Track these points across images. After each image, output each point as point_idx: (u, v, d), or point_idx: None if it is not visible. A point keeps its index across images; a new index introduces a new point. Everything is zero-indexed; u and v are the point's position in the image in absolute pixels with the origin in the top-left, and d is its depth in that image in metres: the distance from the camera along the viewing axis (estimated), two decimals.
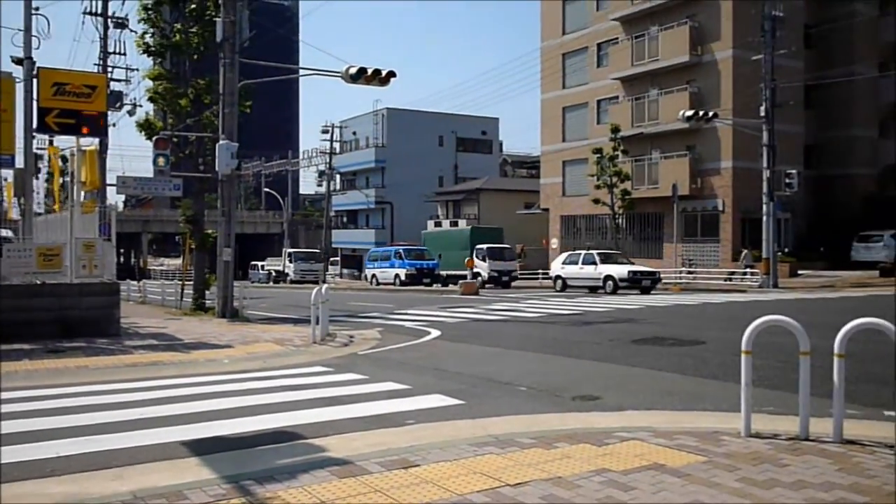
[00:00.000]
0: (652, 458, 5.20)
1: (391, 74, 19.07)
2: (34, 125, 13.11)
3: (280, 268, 57.05)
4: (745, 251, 32.42)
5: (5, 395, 8.15)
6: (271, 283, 55.44)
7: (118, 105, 33.25)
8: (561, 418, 6.62)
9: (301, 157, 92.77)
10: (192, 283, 21.77)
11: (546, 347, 11.59)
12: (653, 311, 17.89)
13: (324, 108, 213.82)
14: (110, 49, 33.89)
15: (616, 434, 5.89)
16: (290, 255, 56.52)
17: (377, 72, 18.87)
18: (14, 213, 25.81)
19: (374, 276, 43.66)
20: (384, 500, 4.42)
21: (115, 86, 34.15)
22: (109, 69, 34.23)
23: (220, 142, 17.82)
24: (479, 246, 37.98)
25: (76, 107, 13.18)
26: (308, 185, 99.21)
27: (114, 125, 34.00)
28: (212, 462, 5.39)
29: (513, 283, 37.51)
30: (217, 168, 17.97)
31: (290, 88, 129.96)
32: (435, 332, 14.11)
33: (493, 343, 12.34)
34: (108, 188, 36.87)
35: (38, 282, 13.68)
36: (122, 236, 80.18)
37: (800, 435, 5.66)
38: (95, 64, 34.34)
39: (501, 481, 4.72)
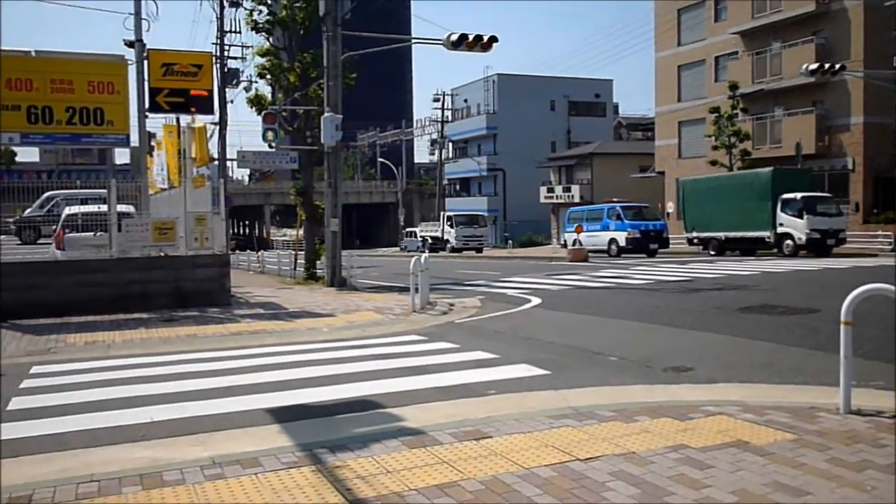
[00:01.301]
0: (736, 434, 4.93)
1: (493, 40, 18.85)
2: (146, 105, 13.72)
3: (437, 233, 50.16)
4: None
5: (117, 362, 8.67)
6: (427, 252, 51.37)
7: (234, 82, 34.43)
8: (647, 390, 6.39)
9: (415, 126, 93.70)
10: (303, 253, 22.46)
11: (645, 316, 11.24)
12: (767, 277, 17.04)
13: (438, 78, 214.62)
14: (226, 28, 35.19)
15: (703, 408, 5.62)
16: (449, 218, 49.46)
17: (479, 37, 18.69)
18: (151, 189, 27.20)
19: (575, 242, 32.81)
20: (449, 471, 4.39)
21: (231, 63, 35.40)
22: (226, 47, 35.55)
23: (325, 114, 18.15)
24: (785, 196, 27.63)
25: (184, 85, 13.72)
26: (422, 153, 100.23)
27: (231, 102, 35.49)
28: (291, 430, 5.51)
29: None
30: (322, 140, 18.34)
31: (402, 59, 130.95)
32: (535, 301, 13.95)
33: (592, 311, 12.09)
34: (230, 162, 38.53)
35: (162, 254, 14.42)
36: (247, 209, 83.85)
37: None
38: (213, 43, 35.74)
39: (572, 455, 4.60)
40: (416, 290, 13.15)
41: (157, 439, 5.41)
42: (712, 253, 30.22)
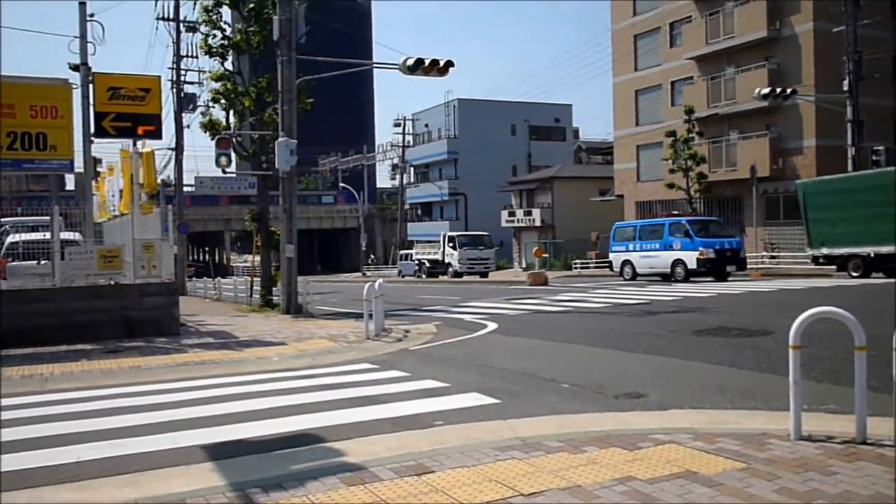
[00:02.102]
0: (686, 464, 4.79)
1: (449, 64, 18.87)
2: (91, 130, 13.37)
3: (436, 256, 45.15)
4: None
5: (53, 396, 8.30)
6: (423, 277, 45.51)
7: (191, 107, 34.10)
8: (597, 419, 6.23)
9: (377, 151, 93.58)
10: (259, 279, 22.09)
11: (600, 340, 11.13)
12: (724, 299, 17.11)
13: (400, 103, 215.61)
14: (183, 53, 34.87)
15: (652, 436, 5.48)
16: (451, 239, 43.93)
17: (435, 62, 18.69)
18: (95, 215, 26.49)
19: (625, 263, 29.60)
20: None
21: (188, 88, 35.11)
22: (183, 72, 35.22)
23: (280, 139, 17.92)
24: None
25: (131, 110, 13.40)
26: (384, 178, 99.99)
27: (188, 127, 34.93)
28: (226, 467, 5.25)
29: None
30: (277, 165, 18.09)
31: (364, 84, 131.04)
32: (492, 326, 13.79)
33: (548, 336, 11.95)
34: (186, 188, 37.96)
35: (112, 282, 14.01)
36: (207, 234, 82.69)
37: (856, 438, 5.14)
38: (170, 68, 35.35)
39: (515, 490, 4.41)
40: (371, 316, 12.91)
41: (86, 479, 5.11)
42: (854, 274, 24.23)
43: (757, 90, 27.38)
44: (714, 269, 26.00)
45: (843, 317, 5.16)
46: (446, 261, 43.37)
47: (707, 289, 20.96)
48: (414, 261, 48.70)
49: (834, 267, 25.64)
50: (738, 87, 35.24)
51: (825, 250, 25.56)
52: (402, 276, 48.69)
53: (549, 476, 4.66)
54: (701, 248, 26.09)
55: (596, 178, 51.73)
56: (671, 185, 35.77)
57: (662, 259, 27.67)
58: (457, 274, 41.85)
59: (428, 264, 45.92)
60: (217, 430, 6.35)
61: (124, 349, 11.80)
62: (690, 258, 26.38)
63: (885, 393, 5.41)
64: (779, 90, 27.21)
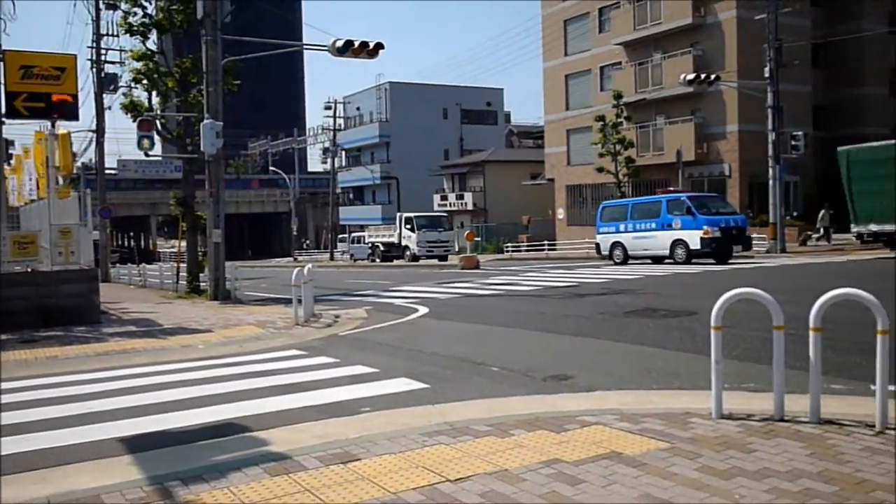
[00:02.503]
0: (611, 445, 4.83)
1: (379, 46, 18.68)
2: (3, 111, 12.74)
3: (391, 239, 42.37)
4: (823, 210, 30.65)
5: None
6: (377, 261, 43.25)
7: (112, 87, 32.89)
8: (525, 402, 6.24)
9: (307, 134, 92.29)
10: (186, 265, 21.56)
11: (531, 323, 11.20)
12: (649, 282, 17.44)
13: (332, 87, 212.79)
14: (104, 31, 33.59)
15: (579, 418, 5.51)
16: (408, 220, 40.69)
17: (364, 44, 18.49)
18: (13, 200, 25.43)
19: (615, 246, 27.13)
20: (310, 500, 4.08)
21: (109, 68, 33.86)
22: (104, 51, 33.94)
23: (205, 121, 17.45)
24: None
25: (45, 90, 12.77)
26: (315, 162, 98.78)
27: (109, 108, 33.65)
28: (144, 461, 5.06)
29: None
30: (202, 148, 17.61)
31: (294, 67, 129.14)
32: (423, 310, 13.75)
33: (479, 320, 11.97)
34: (108, 171, 36.71)
35: (28, 269, 13.44)
36: (132, 219, 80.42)
37: (774, 415, 5.27)
38: (89, 47, 34.02)
39: (443, 476, 4.37)
40: (300, 301, 12.72)
41: None
42: None
43: (682, 76, 27.93)
44: (719, 249, 23.60)
45: (761, 297, 5.27)
46: (403, 244, 40.48)
47: (635, 272, 21.33)
48: (367, 244, 46.35)
49: (882, 245, 24.12)
50: (665, 72, 35.91)
51: (874, 226, 23.73)
52: (354, 261, 46.92)
53: (476, 461, 4.63)
54: (706, 227, 23.43)
55: (527, 162, 52.15)
56: (600, 170, 36.29)
57: (659, 240, 25.05)
58: (414, 258, 39.24)
59: (382, 248, 43.54)
60: (137, 422, 6.14)
61: (41, 339, 11.34)
62: (693, 238, 23.67)
63: (803, 370, 5.54)
64: (703, 76, 27.79)
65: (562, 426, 5.32)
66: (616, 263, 26.67)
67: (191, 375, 8.16)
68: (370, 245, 45.58)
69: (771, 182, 28.44)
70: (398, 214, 43.08)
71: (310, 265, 14.04)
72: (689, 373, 7.08)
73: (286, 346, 10.23)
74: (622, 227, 26.99)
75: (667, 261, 24.81)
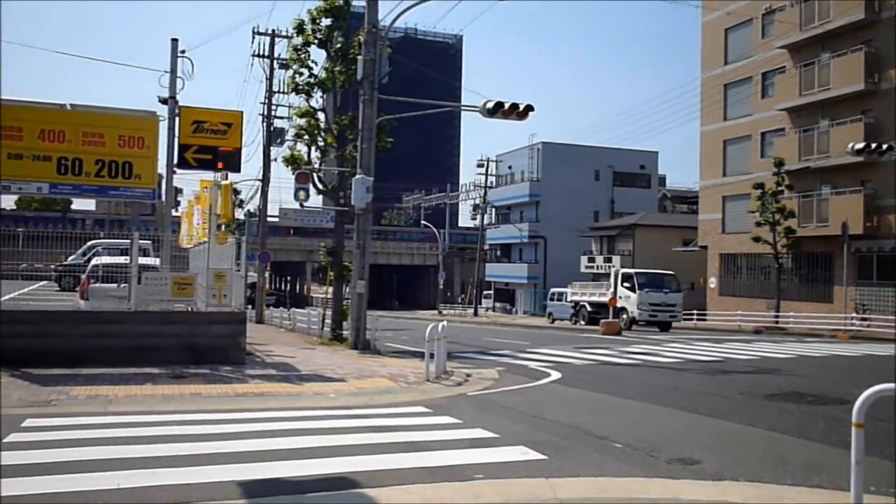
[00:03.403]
0: None
1: (529, 108, 18.85)
2: (175, 161, 13.87)
3: (602, 298, 36.53)
4: None
5: (112, 419, 8.50)
6: (581, 323, 38.24)
7: (279, 141, 35.14)
8: (643, 484, 5.94)
9: (460, 190, 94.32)
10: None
11: (663, 398, 10.71)
12: (802, 362, 16.32)
13: (487, 144, 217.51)
14: (276, 88, 36.09)
15: None
16: (625, 277, 35.08)
17: (514, 106, 18.70)
18: (184, 242, 27.46)
19: None
20: None
21: (278, 122, 36.29)
22: (274, 107, 36.45)
23: (357, 176, 18.20)
24: None
25: (213, 143, 13.85)
26: (465, 218, 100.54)
27: (276, 160, 35.82)
28: None
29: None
30: (353, 201, 18.35)
31: (452, 125, 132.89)
32: (555, 375, 13.50)
33: (610, 390, 11.60)
34: (271, 218, 38.94)
35: (190, 308, 14.37)
36: (289, 264, 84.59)
37: None
38: (261, 102, 36.64)
39: None
40: (433, 357, 12.82)
41: None
42: None
43: (851, 144, 26.30)
44: None
45: None
46: (619, 304, 34.06)
47: (787, 350, 20.03)
48: (569, 302, 41.14)
49: None
50: (832, 140, 34.04)
51: None
52: (553, 321, 42.49)
53: None
54: None
55: (679, 228, 50.64)
56: (757, 239, 34.68)
57: None
58: (632, 322, 33.96)
59: (589, 308, 38.33)
60: (257, 467, 6.34)
61: (189, 375, 12.02)
62: None
63: None
64: (874, 145, 26.11)
65: None
66: None
67: (317, 424, 8.37)
68: (573, 304, 40.63)
69: None
70: (613, 269, 37.35)
71: (444, 322, 14.15)
72: (830, 469, 6.50)
73: (413, 402, 10.30)
74: None
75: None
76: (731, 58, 42.06)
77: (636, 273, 35.72)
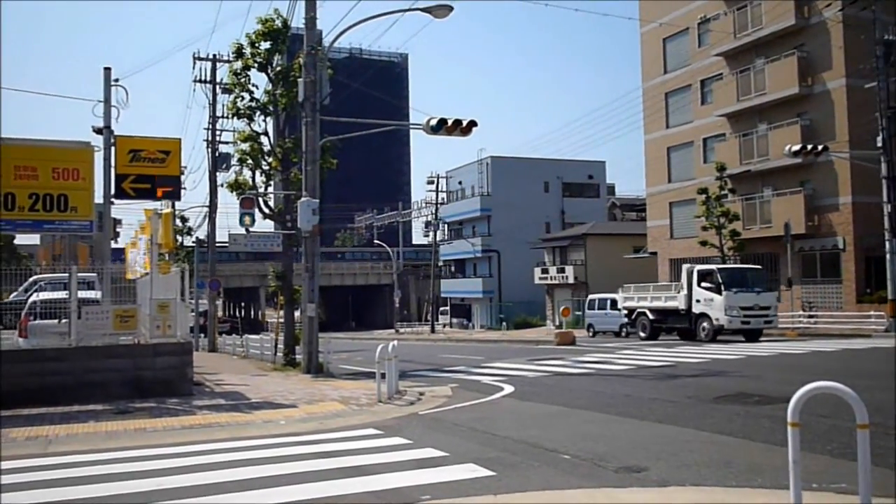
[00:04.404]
0: None
1: (472, 124, 18.91)
2: (112, 191, 13.59)
3: (673, 303, 29.34)
4: None
5: (52, 460, 8.24)
6: (642, 336, 30.71)
7: (225, 166, 34.72)
8: (590, 495, 5.93)
9: (412, 208, 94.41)
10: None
11: (614, 406, 10.77)
12: (750, 363, 16.57)
13: (437, 162, 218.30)
14: (220, 113, 35.71)
15: None
16: (703, 275, 28.20)
17: (458, 122, 18.75)
18: (131, 274, 26.92)
19: None
20: None
21: (223, 148, 35.87)
22: (218, 132, 36.05)
23: (302, 199, 18.06)
24: None
25: (151, 172, 13.60)
26: (418, 235, 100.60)
27: (222, 185, 35.37)
28: None
29: None
30: (299, 224, 18.19)
31: (400, 143, 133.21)
32: (508, 389, 13.49)
33: (562, 401, 11.61)
34: (219, 245, 38.37)
35: (136, 341, 14.02)
36: (243, 290, 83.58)
37: None
38: (205, 128, 36.23)
39: None
40: (384, 377, 12.73)
41: None
42: None
43: (788, 147, 27.06)
44: None
45: (842, 392, 4.89)
46: (696, 311, 27.87)
47: (737, 351, 20.35)
48: (621, 309, 33.08)
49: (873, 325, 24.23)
50: (771, 143, 34.85)
51: None
52: (593, 335, 36.21)
53: None
54: None
55: (630, 235, 51.26)
56: (704, 243, 35.24)
57: None
58: (717, 331, 26.92)
59: (652, 316, 30.71)
60: (200, 502, 6.19)
61: (134, 410, 11.73)
62: None
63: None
64: (811, 147, 26.85)
65: None
66: None
67: (264, 454, 8.21)
68: (628, 312, 32.49)
69: (888, 255, 26.90)
70: (686, 267, 29.85)
71: (395, 342, 14.07)
72: (775, 468, 6.56)
73: (364, 425, 10.19)
74: None
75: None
76: (670, 67, 42.88)
77: (718, 270, 28.31)
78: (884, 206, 27.26)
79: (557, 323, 39.67)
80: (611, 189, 78.89)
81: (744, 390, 11.64)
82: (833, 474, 6.26)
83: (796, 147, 26.68)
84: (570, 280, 51.09)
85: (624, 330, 34.09)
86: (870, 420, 4.81)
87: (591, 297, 39.47)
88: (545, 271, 54.34)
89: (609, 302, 35.71)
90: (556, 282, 52.68)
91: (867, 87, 28.58)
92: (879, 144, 27.16)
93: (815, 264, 33.93)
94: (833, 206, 33.17)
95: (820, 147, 26.92)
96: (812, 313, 32.40)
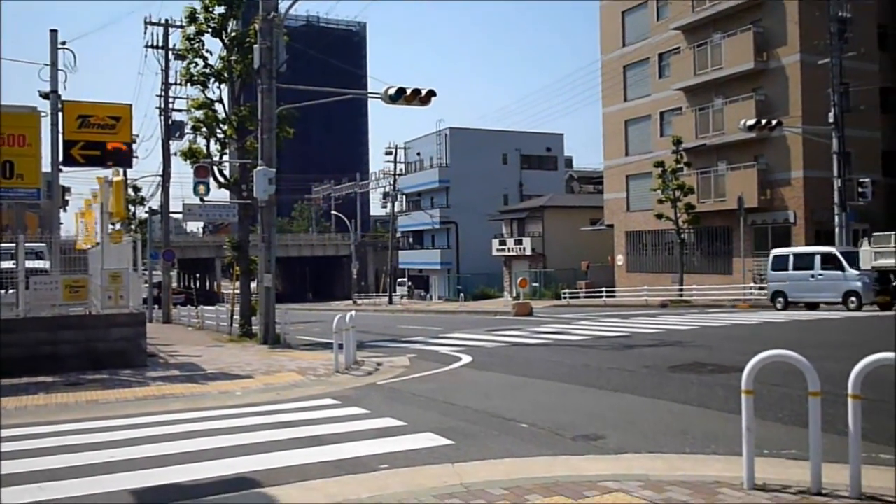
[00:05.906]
0: None
1: (431, 94, 18.71)
2: (60, 158, 13.18)
3: None
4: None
5: (3, 433, 8.02)
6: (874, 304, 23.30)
7: (178, 134, 34.00)
8: (549, 463, 5.97)
9: (370, 179, 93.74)
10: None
11: (571, 376, 10.87)
12: (705, 333, 16.87)
13: (396, 132, 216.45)
14: (173, 80, 34.87)
15: (601, 484, 5.24)
16: None
17: (417, 91, 18.54)
18: (82, 244, 26.36)
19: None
20: None
21: (177, 116, 35.09)
22: (171, 100, 35.23)
23: (258, 168, 17.76)
24: None
25: (101, 138, 13.20)
26: (376, 206, 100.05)
27: (176, 154, 34.66)
28: None
29: None
30: (255, 194, 17.91)
31: (358, 113, 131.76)
32: (466, 359, 13.53)
33: (519, 371, 11.68)
34: (174, 214, 37.74)
35: (88, 311, 13.71)
36: (199, 261, 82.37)
37: (811, 488, 4.90)
38: (157, 95, 35.39)
39: None
40: (342, 348, 12.65)
41: None
42: None
43: (743, 121, 27.41)
44: None
45: (794, 360, 4.97)
46: None
47: (691, 322, 20.69)
48: (861, 270, 23.76)
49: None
50: (726, 118, 35.27)
51: None
52: (784, 306, 26.37)
53: None
54: None
55: (587, 208, 51.65)
56: (659, 216, 35.68)
57: None
58: None
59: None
60: (153, 473, 6.07)
61: (86, 382, 11.51)
62: None
63: (844, 436, 5.16)
64: (765, 122, 27.22)
65: (581, 492, 5.05)
66: None
67: (220, 424, 8.11)
68: (875, 275, 23.54)
69: (837, 230, 27.50)
70: None
71: (353, 312, 13.99)
72: (728, 436, 6.67)
73: (322, 395, 10.13)
74: None
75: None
76: (629, 40, 43.00)
77: None
78: (834, 181, 27.82)
79: (515, 294, 40.04)
80: (569, 162, 79.33)
81: (698, 360, 11.83)
82: (784, 441, 6.38)
83: (751, 122, 27.03)
84: (528, 252, 51.43)
85: (854, 301, 23.58)
86: (821, 388, 4.89)
87: (778, 251, 28.37)
88: (503, 243, 54.59)
89: (819, 258, 25.22)
90: (514, 253, 52.96)
91: (821, 64, 29.04)
92: (831, 120, 27.66)
93: (767, 237, 34.55)
94: (785, 180, 33.76)
95: (774, 122, 27.30)
96: (763, 285, 33.04)
